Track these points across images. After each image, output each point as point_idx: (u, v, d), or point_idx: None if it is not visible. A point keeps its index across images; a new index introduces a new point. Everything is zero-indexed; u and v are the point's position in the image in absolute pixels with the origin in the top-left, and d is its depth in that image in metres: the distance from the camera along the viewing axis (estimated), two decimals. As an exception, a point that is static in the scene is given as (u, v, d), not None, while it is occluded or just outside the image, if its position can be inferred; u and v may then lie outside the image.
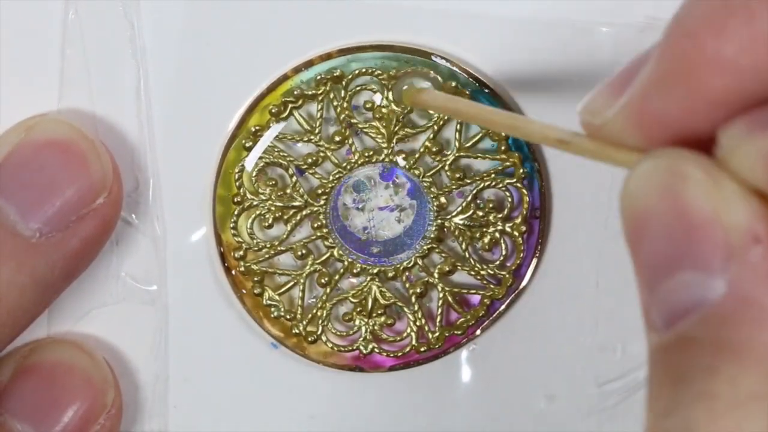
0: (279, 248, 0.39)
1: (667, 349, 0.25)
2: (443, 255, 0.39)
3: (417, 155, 0.39)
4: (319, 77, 0.39)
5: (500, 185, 0.39)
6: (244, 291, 0.39)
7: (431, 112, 0.38)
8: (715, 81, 0.25)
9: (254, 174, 0.39)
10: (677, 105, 0.26)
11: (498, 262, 0.39)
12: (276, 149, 0.39)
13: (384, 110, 0.39)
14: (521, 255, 0.39)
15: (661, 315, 0.25)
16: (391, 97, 0.38)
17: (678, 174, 0.25)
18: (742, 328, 0.24)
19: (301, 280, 0.39)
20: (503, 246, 0.39)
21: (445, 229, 0.39)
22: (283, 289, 0.39)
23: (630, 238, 0.26)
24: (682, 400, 0.24)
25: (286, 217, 0.39)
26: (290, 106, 0.39)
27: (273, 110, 0.39)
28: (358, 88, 0.39)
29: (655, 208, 0.25)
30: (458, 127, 0.39)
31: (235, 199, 0.39)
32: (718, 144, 0.25)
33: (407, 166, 0.39)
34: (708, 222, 0.25)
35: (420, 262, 0.39)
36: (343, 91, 0.39)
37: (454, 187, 0.39)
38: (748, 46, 0.25)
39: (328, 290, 0.39)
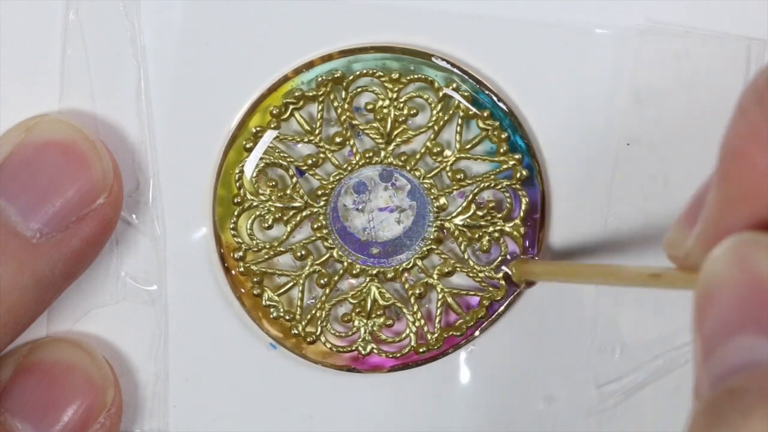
0: (278, 249, 0.39)
1: (708, 404, 0.25)
2: (443, 256, 0.39)
3: (418, 156, 0.39)
4: (320, 78, 0.39)
5: (500, 186, 0.39)
6: (243, 291, 0.39)
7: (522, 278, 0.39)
8: None
9: (254, 175, 0.39)
10: (745, 219, 0.27)
11: (497, 264, 0.39)
12: (276, 150, 0.39)
13: (384, 111, 0.39)
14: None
15: (710, 377, 0.26)
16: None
17: (751, 244, 0.26)
18: None
19: (301, 281, 0.39)
20: (503, 247, 0.39)
21: (445, 231, 0.39)
22: (282, 290, 0.39)
23: (697, 310, 0.27)
24: None
25: (286, 218, 0.39)
26: (291, 107, 0.39)
27: (274, 111, 0.39)
28: (359, 90, 0.39)
29: (727, 277, 0.26)
30: (458, 128, 0.39)
31: (235, 200, 0.39)
32: None
33: (408, 168, 0.39)
34: None
35: (419, 263, 0.39)
36: (344, 93, 0.39)
37: (455, 188, 0.39)
38: None
39: (327, 291, 0.39)
